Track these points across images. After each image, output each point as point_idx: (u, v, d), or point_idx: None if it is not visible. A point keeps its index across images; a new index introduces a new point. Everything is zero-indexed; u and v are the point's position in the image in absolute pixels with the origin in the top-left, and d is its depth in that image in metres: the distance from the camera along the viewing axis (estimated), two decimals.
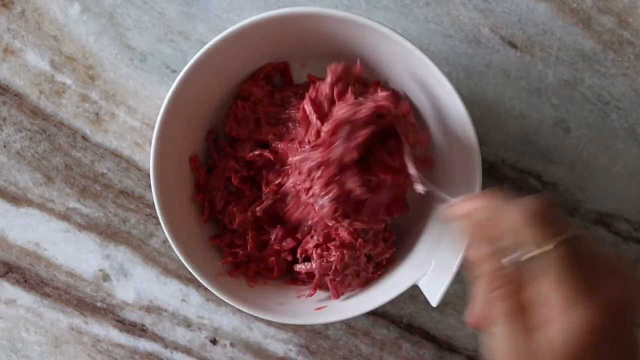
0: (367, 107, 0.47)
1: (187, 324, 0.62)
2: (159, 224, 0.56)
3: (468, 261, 0.39)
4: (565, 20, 0.58)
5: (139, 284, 0.62)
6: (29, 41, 0.60)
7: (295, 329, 0.62)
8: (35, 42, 0.60)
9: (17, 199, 0.62)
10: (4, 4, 0.60)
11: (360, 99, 0.48)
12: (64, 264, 0.62)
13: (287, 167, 0.54)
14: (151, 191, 0.52)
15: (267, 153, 0.54)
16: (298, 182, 0.51)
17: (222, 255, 0.56)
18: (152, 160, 0.51)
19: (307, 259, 0.56)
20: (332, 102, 0.49)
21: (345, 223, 0.51)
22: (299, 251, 0.55)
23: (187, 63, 0.50)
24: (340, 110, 0.47)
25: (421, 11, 0.59)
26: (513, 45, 0.59)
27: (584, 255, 0.35)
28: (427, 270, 0.52)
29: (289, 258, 0.56)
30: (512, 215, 0.35)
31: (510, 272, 0.35)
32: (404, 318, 0.61)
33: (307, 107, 0.49)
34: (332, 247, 0.54)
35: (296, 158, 0.49)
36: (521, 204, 0.36)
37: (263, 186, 0.55)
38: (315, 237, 0.55)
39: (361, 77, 0.51)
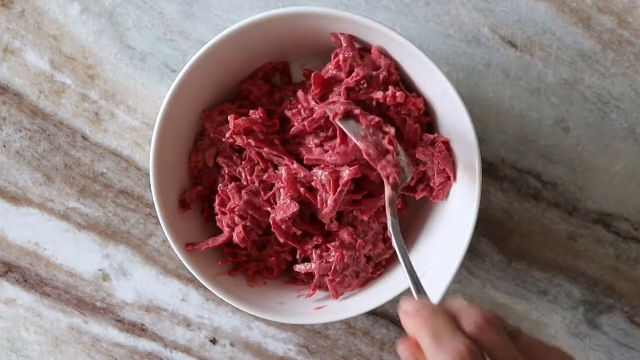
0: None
1: (187, 323, 0.62)
2: (158, 223, 0.56)
3: None
4: (565, 20, 0.58)
5: (138, 283, 0.62)
6: (29, 41, 0.60)
7: (295, 328, 0.62)
8: (35, 42, 0.60)
9: (17, 199, 0.62)
10: (4, 4, 0.60)
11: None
12: (64, 264, 0.62)
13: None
14: (151, 191, 0.52)
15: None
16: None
17: (222, 255, 0.56)
18: (152, 160, 0.51)
19: (307, 259, 0.56)
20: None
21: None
22: (298, 251, 0.55)
23: (187, 63, 0.50)
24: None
25: (421, 11, 0.59)
26: (513, 45, 0.59)
27: None
28: (427, 270, 0.52)
29: (289, 258, 0.56)
30: (444, 357, 0.35)
31: None
32: None
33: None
34: (331, 248, 0.54)
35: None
36: (458, 344, 0.35)
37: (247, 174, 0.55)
38: (315, 238, 0.55)
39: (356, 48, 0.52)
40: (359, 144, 0.49)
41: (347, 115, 0.50)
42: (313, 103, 0.52)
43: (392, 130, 0.50)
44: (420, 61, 0.49)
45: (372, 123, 0.50)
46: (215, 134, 0.55)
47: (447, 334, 0.35)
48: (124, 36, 0.60)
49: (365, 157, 0.49)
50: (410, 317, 0.38)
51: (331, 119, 0.50)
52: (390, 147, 0.50)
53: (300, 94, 0.53)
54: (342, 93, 0.51)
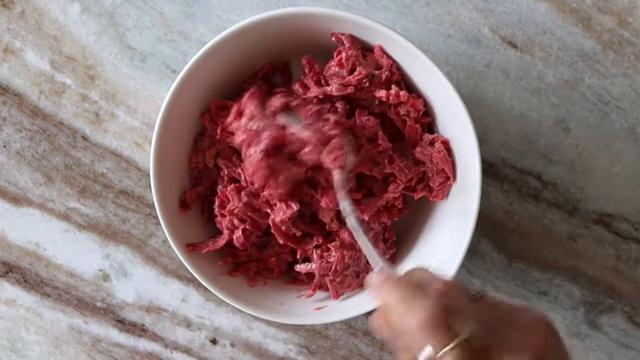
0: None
1: (187, 323, 0.62)
2: (158, 223, 0.56)
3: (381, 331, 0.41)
4: (565, 20, 0.58)
5: (138, 284, 0.62)
6: (29, 41, 0.60)
7: (295, 328, 0.62)
8: (35, 42, 0.60)
9: (17, 199, 0.62)
10: (4, 4, 0.60)
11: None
12: (64, 264, 0.62)
13: None
14: (151, 191, 0.52)
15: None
16: None
17: (222, 255, 0.56)
18: (152, 160, 0.51)
19: (307, 259, 0.56)
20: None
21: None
22: (299, 251, 0.55)
23: (187, 63, 0.50)
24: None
25: (421, 11, 0.59)
26: (513, 45, 0.59)
27: (485, 346, 0.36)
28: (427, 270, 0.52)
29: (289, 258, 0.56)
30: (414, 317, 0.37)
31: None
32: None
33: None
34: (332, 248, 0.54)
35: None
36: (425, 302, 0.37)
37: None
38: (315, 238, 0.55)
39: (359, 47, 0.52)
40: (301, 133, 0.50)
41: (287, 109, 0.50)
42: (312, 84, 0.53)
43: (332, 117, 0.50)
44: (420, 61, 0.49)
45: (310, 113, 0.50)
46: (215, 132, 0.55)
47: (414, 297, 0.37)
48: (124, 36, 0.60)
49: (309, 146, 0.50)
50: (376, 288, 0.41)
51: (271, 111, 0.51)
52: (333, 132, 0.50)
53: (296, 84, 0.54)
54: (337, 89, 0.51)
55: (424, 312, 0.36)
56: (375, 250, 0.46)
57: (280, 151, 0.50)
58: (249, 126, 0.50)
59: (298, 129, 0.50)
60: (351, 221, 0.48)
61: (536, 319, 0.38)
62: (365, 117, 0.52)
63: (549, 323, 0.38)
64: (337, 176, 0.50)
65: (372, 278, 0.42)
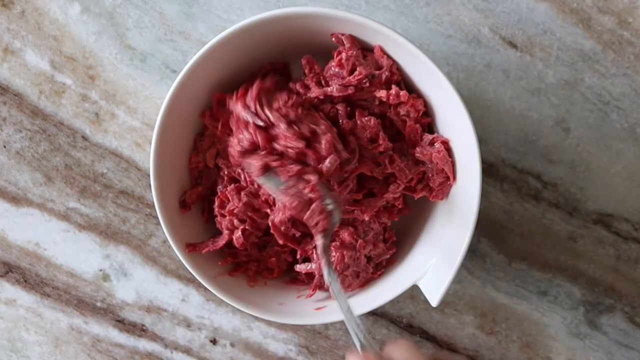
0: None
1: (187, 324, 0.62)
2: (158, 224, 0.56)
3: None
4: (565, 20, 0.58)
5: (138, 284, 0.62)
6: (29, 41, 0.60)
7: (295, 329, 0.62)
8: (35, 42, 0.60)
9: (17, 199, 0.62)
10: (4, 4, 0.60)
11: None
12: (64, 264, 0.62)
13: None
14: (151, 191, 0.52)
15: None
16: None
17: (222, 255, 0.56)
18: (152, 160, 0.51)
19: (307, 259, 0.56)
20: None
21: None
22: (299, 251, 0.55)
23: (187, 63, 0.50)
24: None
25: (421, 11, 0.59)
26: (513, 45, 0.59)
27: None
28: (427, 270, 0.52)
29: (289, 258, 0.56)
30: None
31: None
32: (403, 318, 0.61)
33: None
34: (332, 248, 0.54)
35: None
36: None
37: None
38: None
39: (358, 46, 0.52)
40: (279, 198, 0.49)
41: (266, 169, 0.49)
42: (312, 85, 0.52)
43: (314, 178, 0.49)
44: (420, 61, 0.49)
45: (290, 174, 0.49)
46: (216, 129, 0.55)
47: None
48: (124, 36, 0.60)
49: (290, 211, 0.49)
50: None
51: (251, 174, 0.49)
52: (313, 195, 0.49)
53: (296, 84, 0.53)
54: (337, 90, 0.51)
55: None
56: (357, 324, 0.44)
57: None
58: (242, 115, 0.49)
59: (276, 193, 0.49)
60: (333, 288, 0.47)
61: None
62: (366, 118, 0.52)
63: None
64: (319, 242, 0.49)
65: (350, 358, 0.40)
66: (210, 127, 0.55)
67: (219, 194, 0.55)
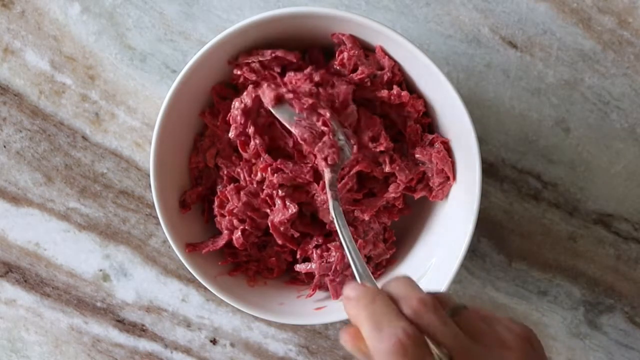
0: None
1: (187, 324, 0.62)
2: (158, 224, 0.56)
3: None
4: (565, 20, 0.58)
5: (139, 284, 0.62)
6: (29, 41, 0.60)
7: (295, 329, 0.62)
8: (35, 42, 0.60)
9: (17, 199, 0.62)
10: (4, 4, 0.60)
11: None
12: (64, 264, 0.62)
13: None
14: (151, 191, 0.52)
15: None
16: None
17: (222, 255, 0.56)
18: (152, 160, 0.51)
19: (307, 259, 0.56)
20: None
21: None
22: (298, 252, 0.55)
23: (187, 63, 0.50)
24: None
25: (421, 11, 0.59)
26: (513, 45, 0.59)
27: None
28: (427, 270, 0.52)
29: (289, 258, 0.56)
30: (382, 342, 0.34)
31: None
32: None
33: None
34: (332, 248, 0.54)
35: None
36: (395, 326, 0.34)
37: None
38: (315, 238, 0.55)
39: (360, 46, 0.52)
40: (292, 129, 0.49)
41: (280, 101, 0.50)
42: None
43: (327, 113, 0.49)
44: (420, 61, 0.49)
45: (305, 106, 0.49)
46: (215, 127, 0.55)
47: (386, 320, 0.35)
48: (124, 36, 0.60)
49: (301, 142, 0.49)
50: (351, 303, 0.37)
51: (265, 105, 0.50)
52: (325, 128, 0.49)
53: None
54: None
55: (392, 338, 0.33)
56: (358, 256, 0.43)
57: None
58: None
59: (290, 124, 0.49)
60: (337, 223, 0.47)
61: (519, 335, 0.36)
62: (369, 117, 0.52)
63: (532, 338, 0.37)
64: (327, 175, 0.49)
65: (349, 291, 0.38)
66: (211, 126, 0.55)
67: (219, 193, 0.55)
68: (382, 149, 0.52)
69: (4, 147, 0.61)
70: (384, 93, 0.51)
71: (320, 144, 0.49)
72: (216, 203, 0.55)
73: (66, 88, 0.61)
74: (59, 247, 0.62)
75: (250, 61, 0.52)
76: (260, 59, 0.52)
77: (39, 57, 0.60)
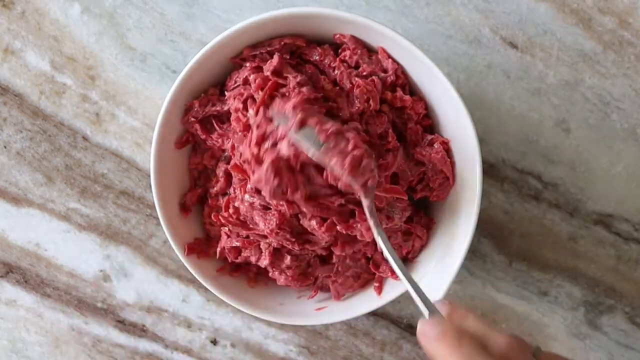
0: None
1: (188, 324, 0.62)
2: (159, 224, 0.56)
3: None
4: (565, 20, 0.58)
5: (139, 284, 0.62)
6: (29, 41, 0.60)
7: (295, 329, 0.62)
8: (35, 42, 0.60)
9: (17, 199, 0.62)
10: (4, 4, 0.60)
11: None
12: (64, 265, 0.62)
13: None
14: (151, 191, 0.52)
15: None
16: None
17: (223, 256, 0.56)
18: (153, 160, 0.51)
19: None
20: None
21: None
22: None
23: (187, 63, 0.50)
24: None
25: (422, 11, 0.59)
26: (513, 45, 0.59)
27: None
28: (427, 270, 0.52)
29: None
30: None
31: None
32: (404, 319, 0.61)
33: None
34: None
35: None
36: None
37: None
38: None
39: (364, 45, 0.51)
40: (320, 158, 0.45)
41: (303, 124, 0.45)
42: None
43: (352, 135, 0.46)
44: (421, 62, 0.49)
45: (329, 133, 0.45)
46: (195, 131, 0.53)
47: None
48: (125, 37, 0.60)
49: (338, 170, 0.45)
50: (431, 341, 0.37)
51: (285, 131, 0.45)
52: (357, 153, 0.45)
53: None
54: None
55: None
56: (417, 287, 0.41)
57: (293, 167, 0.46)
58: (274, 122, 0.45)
59: (316, 153, 0.45)
60: (387, 253, 0.44)
61: None
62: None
63: None
64: (366, 202, 0.46)
65: (425, 328, 0.37)
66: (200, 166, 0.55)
67: (209, 202, 0.55)
68: (389, 147, 0.52)
69: (5, 147, 0.61)
70: (387, 95, 0.51)
71: (360, 169, 0.45)
72: (205, 211, 0.55)
73: (66, 88, 0.61)
74: (60, 248, 0.62)
75: (257, 52, 0.51)
76: (269, 48, 0.51)
77: (39, 58, 0.61)
